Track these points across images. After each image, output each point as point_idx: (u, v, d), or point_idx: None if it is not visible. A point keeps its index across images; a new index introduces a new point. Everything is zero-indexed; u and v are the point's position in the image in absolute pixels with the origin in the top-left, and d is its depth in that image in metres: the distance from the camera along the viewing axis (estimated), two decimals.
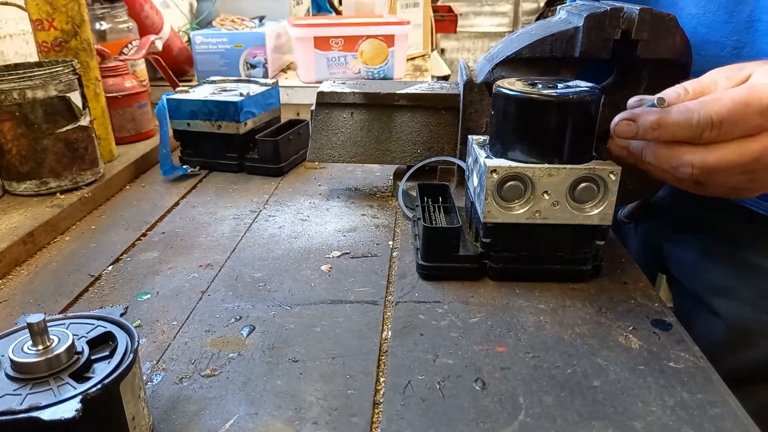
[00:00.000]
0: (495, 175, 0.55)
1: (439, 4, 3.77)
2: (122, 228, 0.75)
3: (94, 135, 0.84)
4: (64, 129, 0.78)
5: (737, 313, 0.67)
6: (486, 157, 0.57)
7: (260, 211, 0.79)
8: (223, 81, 1.03)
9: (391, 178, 0.86)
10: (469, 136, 0.64)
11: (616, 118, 0.50)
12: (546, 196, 0.55)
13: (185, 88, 0.96)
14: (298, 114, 1.34)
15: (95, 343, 0.39)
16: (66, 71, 0.77)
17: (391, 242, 0.69)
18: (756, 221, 0.65)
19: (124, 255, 0.68)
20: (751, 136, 0.45)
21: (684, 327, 0.52)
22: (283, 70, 1.59)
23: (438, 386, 0.45)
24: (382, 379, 0.46)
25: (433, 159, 0.76)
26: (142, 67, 1.20)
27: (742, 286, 0.67)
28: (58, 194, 0.79)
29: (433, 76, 2.03)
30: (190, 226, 0.75)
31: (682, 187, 0.51)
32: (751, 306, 0.66)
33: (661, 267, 0.71)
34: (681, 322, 0.53)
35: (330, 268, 0.63)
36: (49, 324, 0.37)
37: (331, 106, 0.78)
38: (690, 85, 0.49)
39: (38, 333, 0.36)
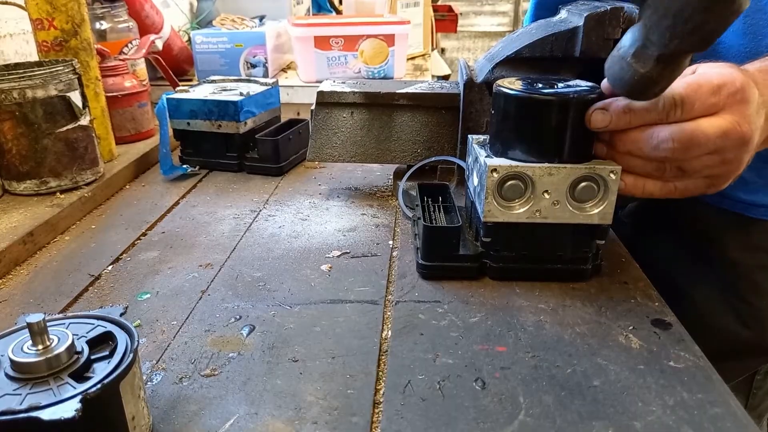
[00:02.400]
0: (495, 175, 0.55)
1: (439, 3, 3.76)
2: (122, 228, 0.75)
3: (94, 134, 0.84)
4: (64, 128, 0.78)
5: (707, 296, 0.74)
6: (486, 157, 0.57)
7: (260, 210, 0.79)
8: (223, 80, 1.03)
9: (391, 177, 0.86)
10: (469, 136, 0.64)
11: (590, 110, 0.53)
12: (546, 196, 0.55)
13: (185, 88, 0.96)
14: (298, 113, 1.34)
15: (95, 343, 0.39)
16: (66, 71, 0.77)
17: (391, 242, 0.69)
18: (720, 216, 0.72)
19: (124, 255, 0.68)
20: (714, 114, 0.49)
21: None
22: (284, 70, 1.59)
23: (438, 386, 0.45)
24: (382, 379, 0.46)
25: (433, 159, 0.76)
26: (142, 67, 1.20)
27: (712, 272, 0.74)
28: (58, 194, 0.79)
29: (433, 76, 2.03)
30: (190, 225, 0.75)
31: (666, 192, 0.54)
32: (719, 288, 0.74)
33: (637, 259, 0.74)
34: None
35: (330, 267, 0.63)
36: (48, 324, 0.37)
37: (331, 105, 0.78)
38: None
39: (38, 333, 0.36)
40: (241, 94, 0.91)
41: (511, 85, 0.56)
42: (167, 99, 0.91)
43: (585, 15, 0.62)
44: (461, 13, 4.42)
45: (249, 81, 1.02)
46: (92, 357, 0.37)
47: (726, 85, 0.48)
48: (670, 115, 0.49)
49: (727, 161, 0.50)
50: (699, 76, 0.50)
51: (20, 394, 0.34)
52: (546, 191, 0.55)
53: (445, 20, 3.55)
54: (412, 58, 1.76)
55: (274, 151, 0.91)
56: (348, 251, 0.67)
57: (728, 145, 0.49)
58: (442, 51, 4.94)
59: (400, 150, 0.78)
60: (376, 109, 0.77)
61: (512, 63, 0.67)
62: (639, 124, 0.51)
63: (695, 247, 0.76)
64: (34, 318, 0.36)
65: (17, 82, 0.74)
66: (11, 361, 0.36)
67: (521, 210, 0.56)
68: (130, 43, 1.19)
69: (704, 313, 0.74)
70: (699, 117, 0.49)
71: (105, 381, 0.35)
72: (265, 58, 1.44)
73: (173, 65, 1.37)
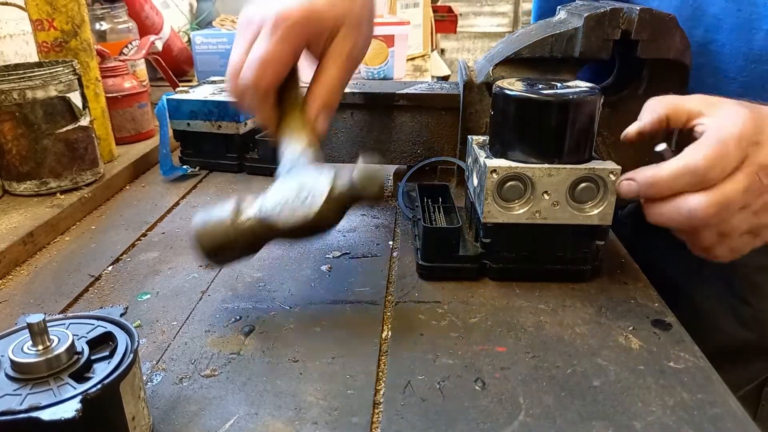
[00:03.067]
0: (495, 175, 0.55)
1: (439, 4, 3.76)
2: (122, 228, 0.75)
3: (94, 135, 0.84)
4: (64, 129, 0.78)
5: (707, 297, 0.73)
6: (486, 157, 0.57)
7: None
8: (223, 81, 1.03)
9: (391, 178, 0.86)
10: (469, 137, 0.64)
11: (620, 179, 0.53)
12: (546, 196, 0.55)
13: (185, 89, 0.96)
14: None
15: (95, 344, 0.39)
16: (66, 71, 0.77)
17: (391, 242, 0.69)
18: None
19: (124, 255, 0.68)
20: (738, 169, 0.47)
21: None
22: None
23: (438, 386, 0.45)
24: (382, 380, 0.46)
25: (433, 159, 0.76)
26: (142, 68, 1.21)
27: (712, 273, 0.73)
28: (58, 194, 0.79)
29: (433, 77, 2.03)
30: (190, 226, 0.75)
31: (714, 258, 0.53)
32: (719, 290, 0.73)
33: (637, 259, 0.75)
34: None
35: (330, 268, 0.63)
36: (49, 324, 0.37)
37: None
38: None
39: (38, 333, 0.36)
40: None
41: (510, 85, 0.56)
42: (167, 100, 0.91)
43: (584, 16, 0.62)
44: (461, 14, 4.42)
45: None
46: (92, 357, 0.37)
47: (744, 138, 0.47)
48: (708, 176, 0.47)
49: (757, 212, 0.49)
50: (718, 132, 0.47)
51: (20, 395, 0.34)
52: (546, 192, 0.55)
53: (444, 21, 3.55)
54: (412, 59, 1.76)
55: (274, 152, 0.90)
56: (348, 252, 0.67)
57: (754, 195, 0.48)
58: (442, 52, 4.94)
59: (399, 151, 0.78)
60: (375, 110, 0.77)
61: (512, 64, 0.67)
62: (667, 194, 0.50)
63: None
64: (35, 318, 0.36)
65: (17, 83, 0.74)
66: (11, 361, 0.36)
67: (521, 211, 0.56)
68: (130, 43, 1.19)
69: (704, 314, 0.74)
70: (728, 174, 0.47)
71: (105, 381, 0.35)
72: None
73: (173, 66, 1.37)
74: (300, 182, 0.50)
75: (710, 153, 0.47)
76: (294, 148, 0.54)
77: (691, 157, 0.48)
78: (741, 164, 0.47)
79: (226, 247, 0.50)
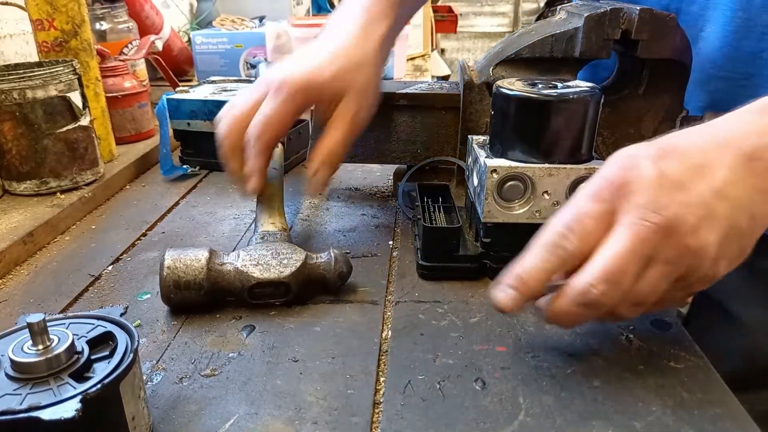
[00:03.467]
0: (495, 175, 0.55)
1: (439, 4, 3.77)
2: (122, 228, 0.75)
3: (94, 135, 0.84)
4: (64, 129, 0.78)
5: (754, 316, 0.67)
6: (486, 157, 0.57)
7: None
8: (224, 81, 1.03)
9: (391, 178, 0.86)
10: (469, 136, 0.64)
11: (495, 292, 0.44)
12: (546, 196, 0.55)
13: (185, 88, 0.96)
14: None
15: (95, 343, 0.39)
16: (66, 71, 0.77)
17: (391, 242, 0.69)
18: None
19: (124, 255, 0.68)
20: (612, 223, 0.40)
21: (702, 332, 0.51)
22: None
23: (438, 386, 0.45)
24: (382, 379, 0.46)
25: (433, 159, 0.76)
26: (142, 67, 1.21)
27: (758, 291, 0.67)
28: (58, 194, 0.79)
29: (433, 76, 2.03)
30: (190, 225, 0.75)
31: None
32: (763, 308, 0.66)
33: None
34: (698, 327, 0.52)
35: None
36: (49, 324, 0.37)
37: None
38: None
39: (38, 333, 0.36)
40: None
41: (510, 85, 0.56)
42: (167, 99, 0.91)
43: (585, 16, 0.62)
44: (461, 14, 4.42)
45: (249, 82, 1.02)
46: (92, 357, 0.37)
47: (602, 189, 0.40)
48: (566, 249, 0.40)
49: (671, 261, 0.39)
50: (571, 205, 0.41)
51: (20, 394, 0.34)
52: (546, 192, 0.55)
53: (444, 21, 3.55)
54: (412, 59, 1.76)
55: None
56: (348, 251, 0.67)
57: (656, 247, 0.38)
58: (442, 51, 4.94)
59: (400, 150, 0.78)
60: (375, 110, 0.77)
61: (512, 63, 0.67)
62: (547, 279, 0.42)
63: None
64: (35, 318, 0.36)
65: (17, 83, 0.74)
66: (11, 361, 0.36)
67: (521, 210, 0.56)
68: (130, 43, 1.19)
69: (750, 332, 0.67)
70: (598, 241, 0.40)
71: (105, 381, 0.35)
72: (265, 59, 1.44)
73: (173, 66, 1.37)
74: (276, 249, 0.56)
75: (559, 220, 0.41)
76: (269, 226, 0.61)
77: (543, 232, 0.42)
78: (614, 216, 0.40)
79: (192, 287, 0.53)
